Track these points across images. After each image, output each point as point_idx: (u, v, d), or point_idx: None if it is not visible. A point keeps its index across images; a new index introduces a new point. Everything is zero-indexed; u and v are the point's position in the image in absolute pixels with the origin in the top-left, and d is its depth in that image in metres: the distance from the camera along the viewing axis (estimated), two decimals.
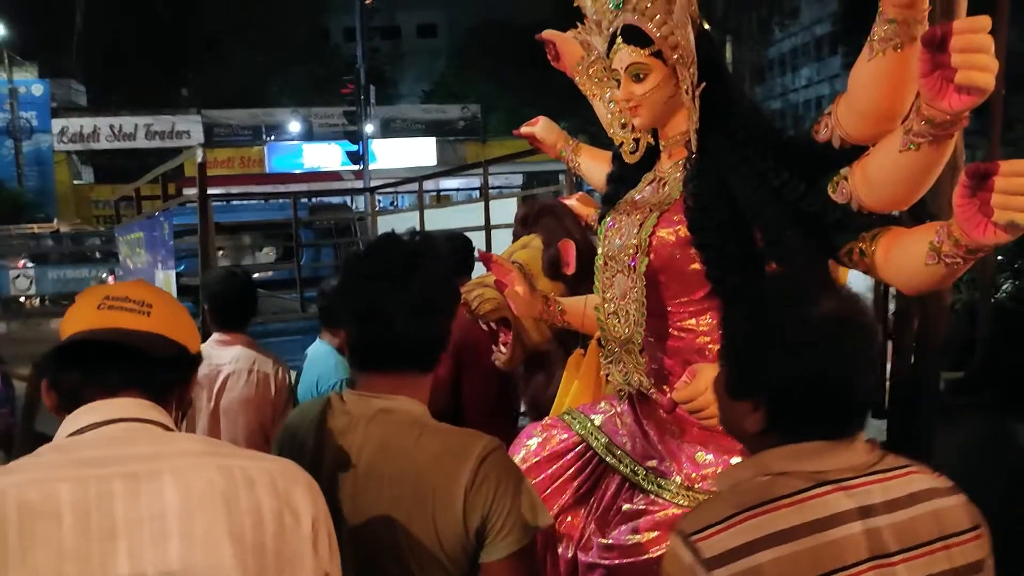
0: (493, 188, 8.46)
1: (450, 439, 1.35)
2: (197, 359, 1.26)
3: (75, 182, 27.52)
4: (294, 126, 26.30)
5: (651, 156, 2.07)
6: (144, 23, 28.15)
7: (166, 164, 4.52)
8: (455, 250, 3.41)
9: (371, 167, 16.08)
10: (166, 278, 4.06)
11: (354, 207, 10.51)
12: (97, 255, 21.45)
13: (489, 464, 1.31)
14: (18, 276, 20.11)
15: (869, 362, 1.19)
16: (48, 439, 1.14)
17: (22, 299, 20.69)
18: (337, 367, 3.22)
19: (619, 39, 1.90)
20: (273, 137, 25.87)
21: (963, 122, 1.37)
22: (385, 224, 5.98)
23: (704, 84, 1.81)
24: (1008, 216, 1.29)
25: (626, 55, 1.89)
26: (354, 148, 15.79)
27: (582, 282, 2.48)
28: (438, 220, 4.92)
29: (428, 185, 6.16)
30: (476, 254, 2.70)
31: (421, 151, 24.16)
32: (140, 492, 1.05)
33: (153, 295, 1.23)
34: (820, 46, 37.75)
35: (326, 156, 23.85)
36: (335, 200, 9.85)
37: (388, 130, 25.18)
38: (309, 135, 25.88)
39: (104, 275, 10.54)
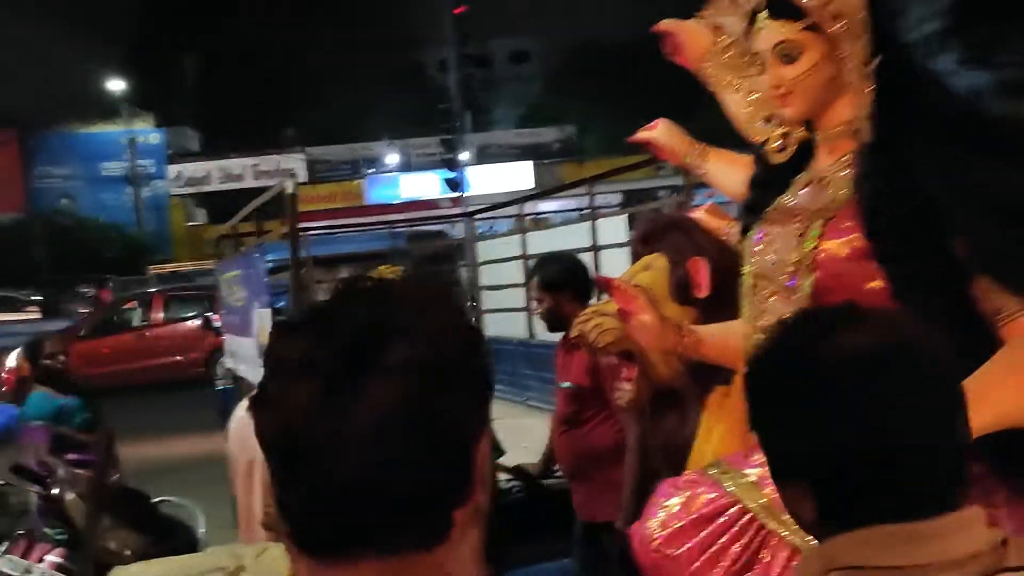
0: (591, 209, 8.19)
1: None
2: None
3: (189, 224, 28.81)
4: (392, 158, 26.81)
5: (801, 155, 1.72)
6: (249, 69, 29.39)
7: (257, 200, 4.45)
8: (565, 272, 3.12)
9: (468, 194, 16.08)
10: (261, 316, 3.92)
11: (453, 235, 10.46)
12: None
13: None
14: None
15: (934, 409, 0.88)
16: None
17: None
18: None
19: (763, 13, 1.58)
20: (372, 170, 26.42)
21: None
22: (485, 250, 5.78)
23: (880, 58, 1.46)
24: None
25: (773, 32, 1.56)
26: (451, 175, 15.81)
27: (717, 307, 2.14)
28: (541, 243, 4.66)
29: (526, 209, 5.91)
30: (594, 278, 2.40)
31: (518, 175, 24.13)
32: None
33: None
34: (928, 44, 35.94)
35: (424, 186, 24.16)
36: (433, 228, 9.77)
37: (484, 156, 25.35)
38: (407, 166, 26.33)
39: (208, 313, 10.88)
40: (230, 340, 5.19)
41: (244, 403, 2.92)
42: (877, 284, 1.50)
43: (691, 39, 2.07)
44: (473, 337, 0.72)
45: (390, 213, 20.91)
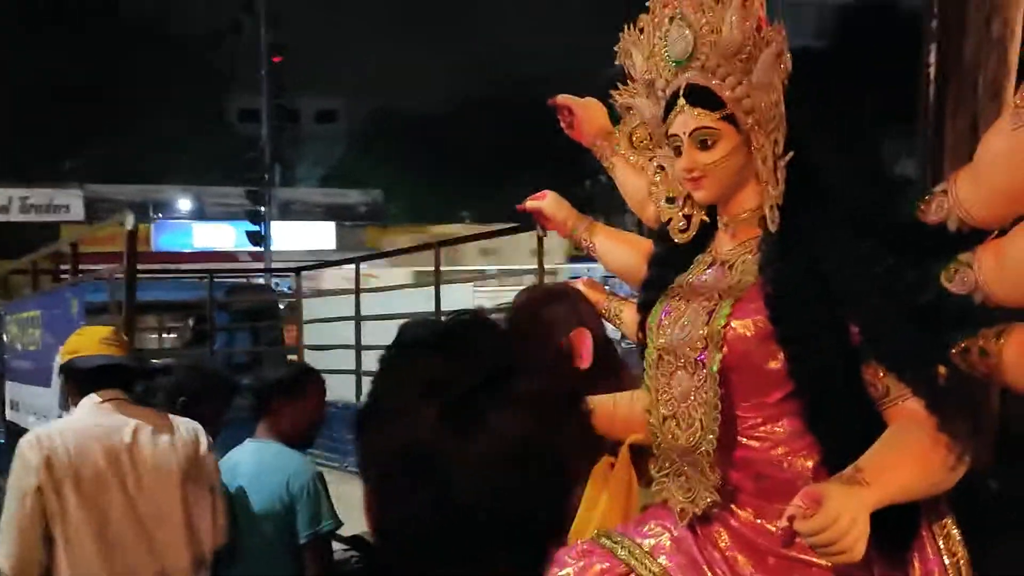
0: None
1: None
2: None
3: None
4: (184, 204, 25.32)
5: (701, 237, 1.83)
6: (25, 91, 26.87)
7: (72, 234, 4.02)
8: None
9: (271, 249, 15.48)
10: None
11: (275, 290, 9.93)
12: None
13: None
14: None
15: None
16: None
17: None
18: (308, 463, 2.93)
19: (681, 100, 1.67)
20: (161, 215, 24.80)
21: None
22: (311, 308, 5.54)
23: (791, 153, 1.59)
24: None
25: (690, 119, 1.66)
26: (255, 228, 15.19)
27: (598, 377, 2.18)
28: (377, 306, 4.53)
29: (350, 269, 5.78)
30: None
31: (320, 235, 23.58)
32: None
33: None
34: None
35: (219, 236, 22.91)
36: (254, 282, 9.24)
37: (286, 213, 24.58)
38: (201, 214, 24.95)
39: None
40: (15, 389, 4.52)
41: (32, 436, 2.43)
42: (775, 365, 1.61)
43: (587, 116, 2.17)
44: (581, 380, 0.81)
45: (183, 262, 19.69)
